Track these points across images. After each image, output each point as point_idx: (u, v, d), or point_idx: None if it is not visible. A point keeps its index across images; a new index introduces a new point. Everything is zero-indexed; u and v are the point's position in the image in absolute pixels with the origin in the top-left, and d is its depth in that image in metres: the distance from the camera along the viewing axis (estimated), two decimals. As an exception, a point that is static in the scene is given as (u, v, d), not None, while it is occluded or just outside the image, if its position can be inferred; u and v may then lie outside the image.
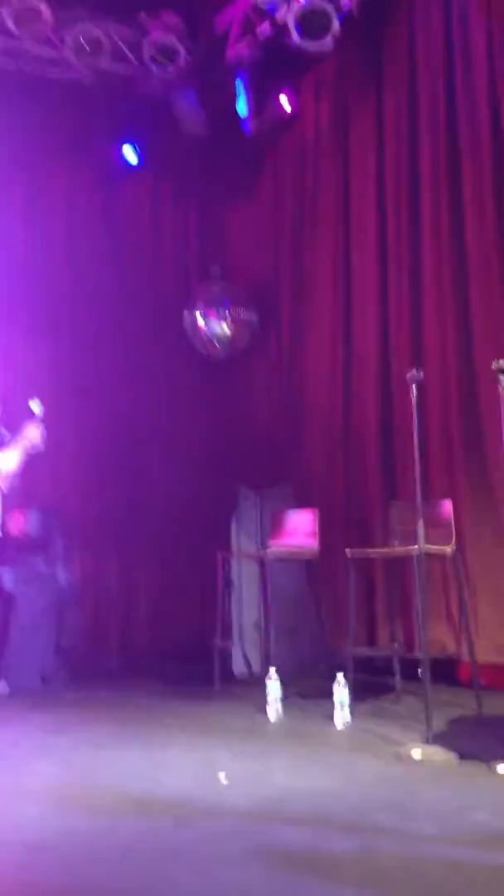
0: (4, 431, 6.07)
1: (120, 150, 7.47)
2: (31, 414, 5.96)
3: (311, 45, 6.34)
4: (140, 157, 7.48)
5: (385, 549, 5.35)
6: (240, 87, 7.24)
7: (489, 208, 5.50)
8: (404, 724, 4.53)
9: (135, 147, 7.48)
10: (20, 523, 6.17)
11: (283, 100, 7.15)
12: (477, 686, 4.83)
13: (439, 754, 3.85)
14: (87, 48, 6.63)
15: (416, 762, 3.80)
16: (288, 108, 7.17)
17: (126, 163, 7.50)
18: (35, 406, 5.96)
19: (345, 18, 6.25)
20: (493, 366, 4.04)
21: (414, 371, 4.30)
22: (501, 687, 5.00)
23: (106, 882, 2.56)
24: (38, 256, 7.17)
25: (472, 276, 5.58)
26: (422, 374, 4.32)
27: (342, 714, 4.58)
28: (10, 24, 6.34)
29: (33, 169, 7.22)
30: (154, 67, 6.91)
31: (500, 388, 4.01)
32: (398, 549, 5.09)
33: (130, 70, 7.04)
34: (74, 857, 2.76)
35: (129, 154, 7.48)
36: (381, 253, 6.32)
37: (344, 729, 4.53)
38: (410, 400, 4.26)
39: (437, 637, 5.37)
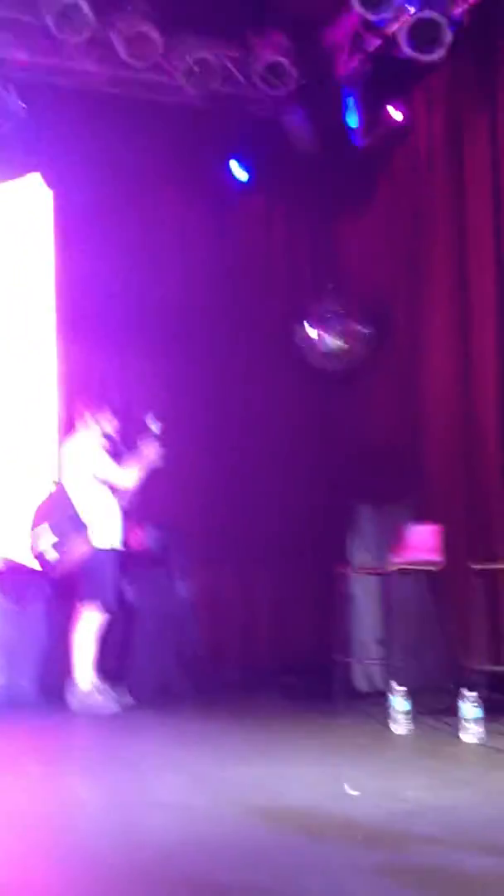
0: (123, 448, 6.20)
1: (229, 168, 7.52)
2: (149, 431, 6.08)
3: (422, 57, 6.28)
4: (249, 172, 7.52)
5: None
6: (350, 101, 7.23)
7: None
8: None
9: (242, 163, 7.52)
10: (140, 538, 6.25)
11: (393, 111, 7.10)
12: None
13: None
14: (197, 70, 6.73)
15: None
16: (399, 118, 7.10)
17: (236, 180, 7.55)
18: (152, 423, 6.08)
19: (457, 28, 6.16)
20: None
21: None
22: None
23: (236, 890, 2.52)
24: (154, 277, 7.29)
25: None
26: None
27: (472, 730, 4.44)
28: (122, 51, 6.48)
29: (147, 193, 7.36)
30: (264, 87, 6.97)
31: None
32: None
33: (240, 90, 7.12)
34: (203, 865, 2.73)
35: (238, 170, 7.53)
36: (499, 264, 6.17)
37: (475, 746, 4.38)
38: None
39: None
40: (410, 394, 6.97)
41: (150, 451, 5.99)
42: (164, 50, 6.59)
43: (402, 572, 5.54)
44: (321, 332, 7.19)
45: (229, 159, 7.53)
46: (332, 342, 7.16)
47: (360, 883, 2.54)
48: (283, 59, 6.86)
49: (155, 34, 6.46)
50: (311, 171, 7.56)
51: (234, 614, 7.09)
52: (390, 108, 7.09)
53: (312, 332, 7.22)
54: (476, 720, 4.46)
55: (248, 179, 7.57)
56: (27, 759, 4.22)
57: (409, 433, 6.91)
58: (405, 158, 7.22)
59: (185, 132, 7.29)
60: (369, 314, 7.24)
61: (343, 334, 7.15)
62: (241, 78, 7.03)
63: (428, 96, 7.01)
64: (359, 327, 7.19)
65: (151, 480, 6.27)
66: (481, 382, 6.24)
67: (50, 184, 7.15)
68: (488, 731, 4.52)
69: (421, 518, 6.28)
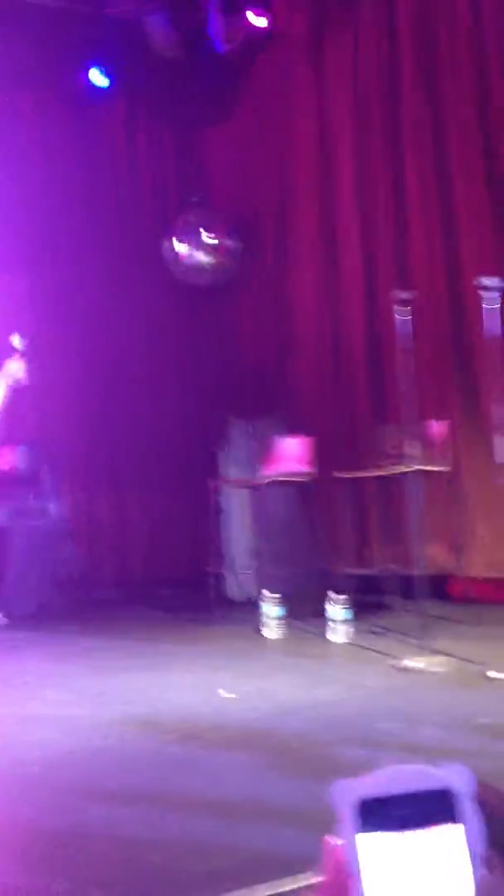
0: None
1: (89, 73, 7.22)
2: (13, 349, 5.93)
3: None
4: (110, 79, 7.24)
5: (376, 472, 5.36)
6: (211, 4, 7.03)
7: (472, 117, 5.40)
8: (401, 638, 4.60)
9: (103, 70, 7.23)
10: (9, 459, 6.16)
11: (253, 17, 6.92)
12: (471, 599, 4.91)
13: (438, 663, 3.92)
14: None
15: (415, 672, 3.87)
16: (262, 24, 6.95)
17: (96, 87, 7.25)
18: (16, 341, 5.92)
19: None
20: (478, 283, 4.03)
21: (401, 292, 4.27)
22: (494, 600, 5.08)
23: (122, 788, 2.61)
24: (10, 188, 6.99)
25: (457, 190, 5.51)
26: (411, 294, 4.30)
27: (341, 630, 4.65)
28: None
29: (2, 98, 6.99)
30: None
31: (483, 305, 4.00)
32: (394, 469, 5.10)
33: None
34: (87, 773, 2.81)
35: (98, 77, 7.23)
36: (363, 172, 6.22)
37: (343, 645, 4.60)
38: (399, 321, 4.24)
39: (431, 555, 5.42)
40: (279, 308, 7.02)
41: (15, 369, 5.84)
42: None
43: (273, 484, 5.66)
44: (187, 246, 7.11)
45: (90, 65, 7.21)
46: (199, 256, 7.10)
47: (239, 778, 2.67)
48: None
49: None
50: (175, 77, 7.37)
51: (108, 530, 7.11)
52: (250, 14, 6.90)
53: (179, 246, 7.13)
54: (344, 621, 4.67)
55: (110, 85, 7.27)
56: None
57: (278, 348, 6.98)
58: (268, 65, 7.11)
59: (44, 35, 6.95)
60: (236, 227, 7.19)
61: (209, 248, 7.09)
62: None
63: (290, 1, 6.89)
64: (226, 240, 7.14)
65: (20, 399, 6.15)
66: (348, 294, 6.34)
67: None
68: (358, 633, 4.75)
69: (291, 431, 6.41)
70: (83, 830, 2.36)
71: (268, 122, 7.13)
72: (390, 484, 5.47)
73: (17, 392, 5.97)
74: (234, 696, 3.64)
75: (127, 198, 7.42)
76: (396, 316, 4.25)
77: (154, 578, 7.07)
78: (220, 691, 3.67)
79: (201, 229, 7.11)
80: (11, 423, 6.13)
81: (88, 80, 7.23)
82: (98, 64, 7.17)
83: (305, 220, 6.71)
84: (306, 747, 2.94)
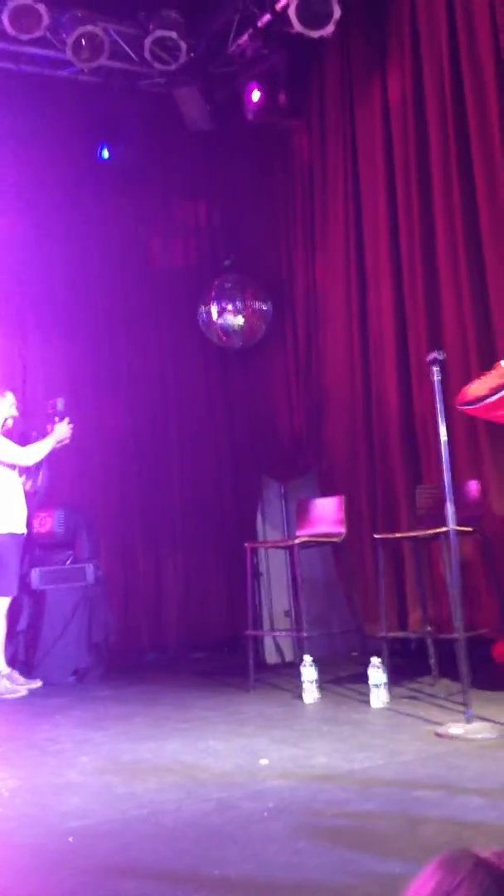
0: (26, 428, 6.15)
1: (107, 146, 7.27)
2: (55, 410, 6.06)
3: (312, 32, 6.33)
4: (138, 149, 7.31)
5: (413, 533, 5.32)
6: (243, 79, 7.23)
7: (501, 181, 5.46)
8: (442, 704, 4.52)
9: (125, 141, 7.30)
10: (46, 522, 6.21)
11: (276, 90, 7.06)
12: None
13: (480, 730, 3.84)
14: (86, 46, 6.63)
15: (456, 739, 3.79)
16: (287, 98, 7.10)
17: (106, 159, 7.31)
18: (60, 404, 6.06)
19: (345, 2, 6.23)
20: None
21: (435, 353, 4.29)
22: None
23: (156, 863, 2.57)
24: (48, 255, 7.16)
25: (487, 251, 5.54)
26: (443, 354, 4.31)
27: (379, 696, 4.58)
28: (7, 25, 6.35)
29: (37, 169, 7.18)
30: (156, 63, 6.91)
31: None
32: (427, 530, 5.06)
33: (132, 67, 7.07)
34: (122, 841, 2.77)
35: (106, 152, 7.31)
36: (394, 238, 6.29)
37: (381, 711, 4.52)
38: (432, 382, 4.25)
39: (471, 617, 5.34)
40: (310, 370, 7.06)
41: (64, 431, 5.97)
42: (51, 24, 6.51)
43: (307, 545, 5.64)
44: (220, 309, 7.21)
45: (107, 138, 7.31)
46: (232, 319, 7.20)
47: (276, 848, 2.62)
48: (174, 35, 6.82)
49: (42, 9, 6.35)
50: (208, 149, 7.57)
51: (144, 595, 7.09)
52: (273, 88, 7.04)
53: (212, 310, 7.24)
54: (381, 685, 4.60)
55: (142, 156, 7.37)
56: None
57: (311, 409, 7.01)
58: (299, 136, 7.26)
59: (78, 108, 7.20)
60: (268, 291, 7.29)
61: (241, 311, 7.19)
62: (132, 55, 6.98)
63: (320, 73, 7.05)
64: (257, 304, 7.24)
65: (58, 463, 6.23)
66: (380, 356, 6.37)
67: None
68: (397, 698, 4.67)
69: (325, 493, 6.41)
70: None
71: (299, 190, 7.25)
72: (428, 545, 5.42)
73: (57, 455, 6.07)
74: (267, 762, 3.59)
75: (161, 264, 7.56)
76: (431, 376, 4.25)
77: (190, 642, 7.03)
78: (262, 761, 3.61)
79: (232, 293, 7.22)
80: (50, 486, 6.22)
81: (101, 154, 7.31)
82: (122, 135, 7.27)
83: (336, 283, 6.78)
84: (342, 816, 2.88)
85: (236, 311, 7.19)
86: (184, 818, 2.97)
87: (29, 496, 6.03)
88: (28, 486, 6.03)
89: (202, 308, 7.30)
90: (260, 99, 7.04)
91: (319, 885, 2.34)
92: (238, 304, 7.19)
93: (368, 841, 2.63)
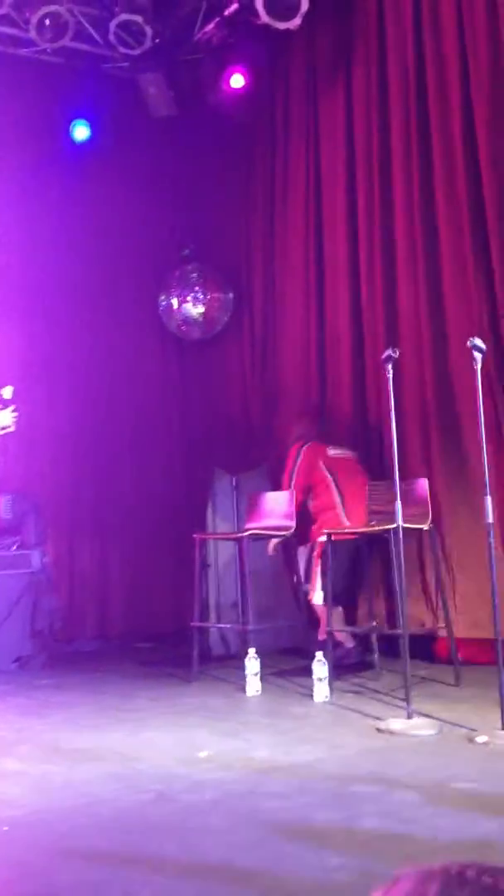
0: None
1: (73, 127, 7.17)
2: (2, 399, 5.95)
3: (279, 24, 6.30)
4: (103, 134, 7.25)
5: (362, 529, 5.35)
6: (207, 67, 7.18)
7: (460, 182, 5.49)
8: (384, 699, 4.55)
9: (89, 123, 7.22)
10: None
11: (241, 79, 7.00)
12: (456, 661, 4.86)
13: (420, 726, 3.87)
14: (49, 26, 6.53)
15: (396, 735, 3.81)
16: (251, 87, 7.06)
17: (78, 140, 7.24)
18: (7, 392, 5.95)
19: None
20: (468, 343, 4.06)
21: (390, 350, 4.30)
22: (479, 661, 5.03)
23: (92, 853, 2.55)
24: (4, 240, 7.05)
25: (444, 251, 5.58)
26: (398, 352, 4.33)
27: (321, 690, 4.60)
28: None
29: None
30: (120, 47, 6.84)
31: (475, 366, 4.02)
32: (375, 527, 5.09)
33: (96, 50, 6.99)
34: (59, 831, 2.75)
35: (82, 130, 7.21)
36: (353, 232, 6.31)
37: (324, 705, 4.54)
38: (386, 379, 4.26)
39: (415, 613, 5.39)
40: (265, 363, 7.06)
41: (4, 417, 5.86)
42: (15, 2, 6.40)
43: (256, 537, 5.64)
44: (181, 299, 7.17)
45: (75, 118, 7.21)
46: (192, 309, 7.15)
47: (212, 841, 2.61)
48: (140, 20, 6.75)
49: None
50: (169, 135, 7.49)
51: (90, 583, 7.04)
52: (238, 77, 6.97)
53: (172, 300, 7.19)
54: (326, 680, 4.62)
55: (100, 139, 7.27)
56: None
57: (264, 402, 7.00)
58: (262, 125, 7.24)
59: (40, 90, 7.09)
60: (227, 281, 7.26)
61: (201, 301, 7.15)
62: (97, 37, 6.90)
63: (285, 64, 7.03)
64: (219, 294, 7.20)
65: (4, 449, 6.15)
66: (336, 350, 6.38)
67: None
68: (340, 692, 4.69)
69: (276, 486, 6.40)
70: (52, 892, 2.30)
71: (259, 180, 7.23)
72: (376, 543, 5.45)
73: (3, 441, 5.98)
74: (208, 753, 3.58)
75: (119, 251, 7.48)
76: (384, 373, 4.27)
77: (136, 632, 7.00)
78: (201, 754, 3.60)
79: (192, 282, 7.17)
80: (-2, 472, 6.14)
81: (70, 134, 7.21)
82: (84, 117, 7.19)
83: (294, 277, 6.78)
84: (281, 809, 2.88)
85: (197, 302, 7.15)
86: (122, 809, 2.95)
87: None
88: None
89: (163, 297, 7.25)
90: (226, 86, 7.00)
91: (255, 877, 2.33)
92: (199, 294, 7.15)
93: (305, 834, 2.63)
